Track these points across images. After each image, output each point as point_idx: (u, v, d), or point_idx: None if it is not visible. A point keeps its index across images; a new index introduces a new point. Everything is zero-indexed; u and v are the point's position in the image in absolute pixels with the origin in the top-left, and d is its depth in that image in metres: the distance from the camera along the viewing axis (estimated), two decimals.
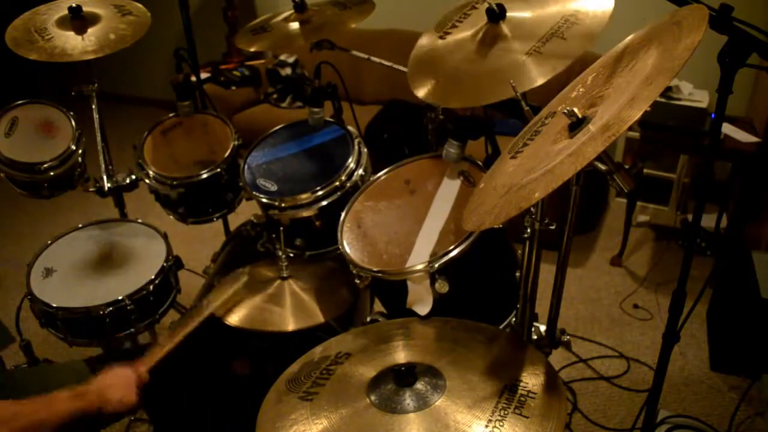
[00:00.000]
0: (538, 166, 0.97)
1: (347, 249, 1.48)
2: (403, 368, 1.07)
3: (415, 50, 1.50)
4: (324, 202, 1.69)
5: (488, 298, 1.50)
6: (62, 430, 1.26)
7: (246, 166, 1.84)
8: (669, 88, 2.89)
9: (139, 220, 2.06)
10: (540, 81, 1.22)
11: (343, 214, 1.56)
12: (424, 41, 1.50)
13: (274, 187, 1.76)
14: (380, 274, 1.40)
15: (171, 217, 2.13)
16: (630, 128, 1.12)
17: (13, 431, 1.20)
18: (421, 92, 1.40)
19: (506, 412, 0.98)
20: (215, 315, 1.58)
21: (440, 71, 1.40)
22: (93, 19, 1.96)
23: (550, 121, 1.10)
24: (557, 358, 2.44)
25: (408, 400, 1.03)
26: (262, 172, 1.82)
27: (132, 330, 1.79)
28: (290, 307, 1.63)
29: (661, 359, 1.50)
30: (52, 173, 1.99)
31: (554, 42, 1.26)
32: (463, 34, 1.43)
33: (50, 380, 1.45)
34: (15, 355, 1.90)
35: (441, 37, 1.46)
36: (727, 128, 2.78)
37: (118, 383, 1.37)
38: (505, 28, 1.34)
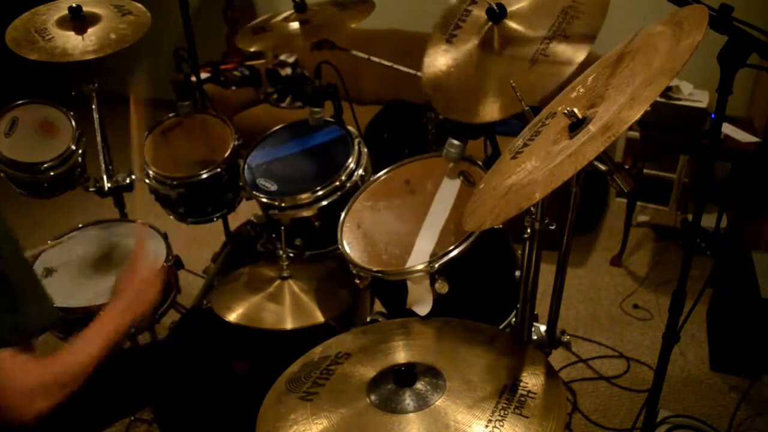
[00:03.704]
0: (538, 166, 0.97)
1: (347, 249, 1.48)
2: (403, 368, 1.07)
3: (425, 67, 1.50)
4: (324, 202, 1.69)
5: (488, 298, 1.50)
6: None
7: (246, 166, 1.84)
8: (669, 88, 2.89)
9: (139, 221, 2.05)
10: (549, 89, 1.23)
11: (343, 214, 1.56)
12: (432, 52, 1.50)
13: (274, 187, 1.76)
14: (380, 274, 1.40)
15: (171, 217, 2.13)
16: (630, 128, 1.12)
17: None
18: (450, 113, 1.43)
19: (506, 412, 0.98)
20: None
21: (453, 87, 1.42)
22: (93, 19, 1.96)
23: (550, 121, 1.10)
24: (557, 358, 2.44)
25: (408, 400, 1.02)
26: (262, 172, 1.82)
27: (132, 330, 1.79)
28: (289, 306, 1.63)
29: (661, 359, 1.50)
30: (52, 173, 1.99)
31: (557, 42, 1.27)
32: (467, 45, 1.43)
33: None
34: None
35: (448, 40, 1.46)
36: (727, 128, 2.78)
37: (136, 300, 1.33)
38: (507, 28, 1.34)
